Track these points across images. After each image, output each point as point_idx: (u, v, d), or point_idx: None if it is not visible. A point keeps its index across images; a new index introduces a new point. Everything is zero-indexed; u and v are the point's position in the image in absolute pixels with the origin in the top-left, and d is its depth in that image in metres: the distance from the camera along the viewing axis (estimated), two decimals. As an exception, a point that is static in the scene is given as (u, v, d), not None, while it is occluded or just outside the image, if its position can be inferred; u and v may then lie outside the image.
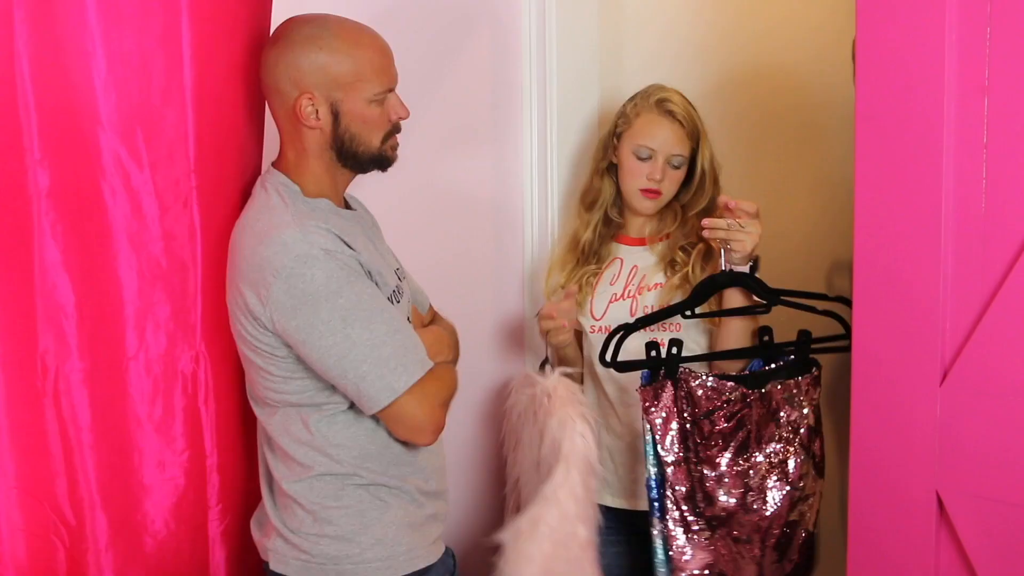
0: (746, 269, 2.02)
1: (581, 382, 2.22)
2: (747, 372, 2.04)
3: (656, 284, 2.17)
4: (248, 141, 1.75)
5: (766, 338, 2.06)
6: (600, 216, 2.24)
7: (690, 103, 2.19)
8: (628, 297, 2.20)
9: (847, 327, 1.96)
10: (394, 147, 1.74)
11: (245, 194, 1.72)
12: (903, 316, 1.69)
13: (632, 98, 2.21)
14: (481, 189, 2.32)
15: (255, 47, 1.70)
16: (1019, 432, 1.60)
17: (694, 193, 2.18)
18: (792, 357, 2.04)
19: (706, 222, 2.01)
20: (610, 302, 2.21)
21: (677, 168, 2.16)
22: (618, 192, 2.22)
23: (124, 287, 1.62)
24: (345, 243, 1.63)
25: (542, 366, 2.15)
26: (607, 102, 2.49)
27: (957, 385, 1.64)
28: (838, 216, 2.28)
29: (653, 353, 2.01)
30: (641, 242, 2.24)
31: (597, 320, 2.21)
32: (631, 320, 2.11)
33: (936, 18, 1.59)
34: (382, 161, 1.73)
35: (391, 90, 1.70)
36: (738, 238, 1.97)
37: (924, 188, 1.64)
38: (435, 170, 2.24)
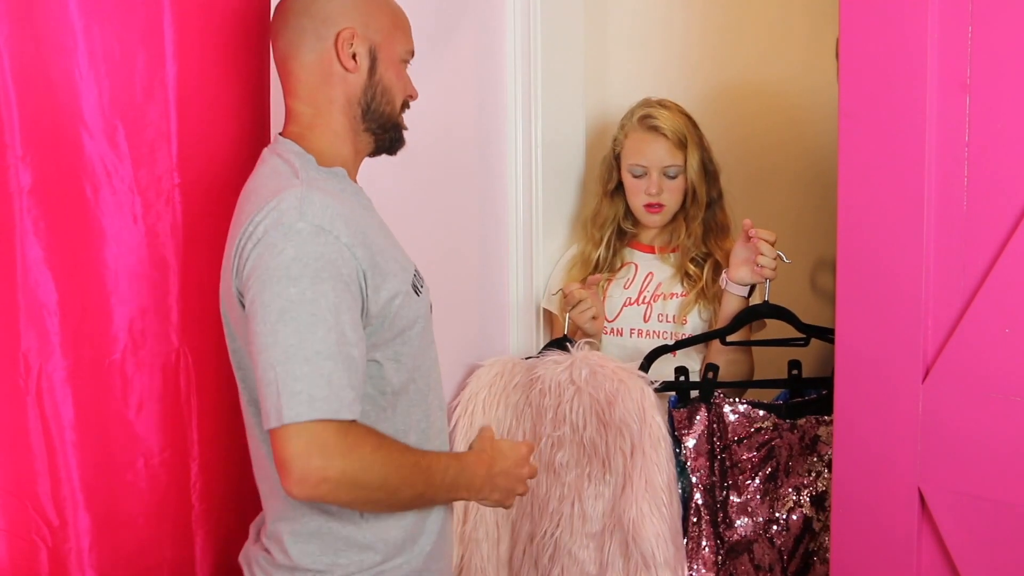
0: (745, 291, 2.12)
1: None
2: (779, 402, 2.07)
3: (673, 294, 2.23)
4: (233, 138, 1.74)
5: (795, 372, 2.08)
6: (612, 230, 2.29)
7: (681, 111, 2.24)
8: (643, 303, 2.24)
9: None
10: (404, 125, 1.64)
11: (229, 191, 1.71)
12: (886, 313, 1.69)
13: (622, 119, 2.28)
14: (467, 197, 2.31)
15: (242, 42, 1.69)
16: (1000, 428, 1.61)
17: (691, 202, 2.22)
18: (826, 392, 2.03)
19: (761, 262, 2.05)
20: (624, 305, 2.25)
21: (674, 178, 2.22)
22: (627, 207, 2.29)
23: (107, 284, 1.61)
24: (354, 231, 1.44)
25: (562, 343, 2.14)
26: (593, 104, 2.50)
27: (939, 382, 1.65)
28: (822, 213, 2.29)
29: (682, 378, 2.07)
30: (652, 250, 2.29)
31: (610, 322, 2.26)
32: (645, 325, 2.22)
33: (918, 16, 1.60)
34: (396, 130, 1.62)
35: (411, 58, 1.64)
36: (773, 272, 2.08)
37: (907, 185, 1.64)
38: (420, 171, 2.22)
